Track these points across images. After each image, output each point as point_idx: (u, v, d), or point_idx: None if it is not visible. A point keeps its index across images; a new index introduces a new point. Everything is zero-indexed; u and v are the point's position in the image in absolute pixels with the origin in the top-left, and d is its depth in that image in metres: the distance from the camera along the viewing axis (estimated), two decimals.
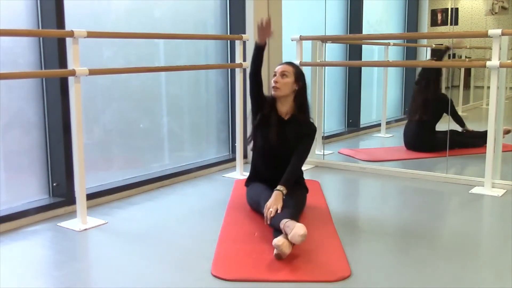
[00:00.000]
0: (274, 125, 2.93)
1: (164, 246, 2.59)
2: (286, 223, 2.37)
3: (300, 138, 2.92)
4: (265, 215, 2.57)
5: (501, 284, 2.16)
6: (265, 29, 2.91)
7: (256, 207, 2.91)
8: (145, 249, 2.55)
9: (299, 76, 2.95)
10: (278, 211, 2.54)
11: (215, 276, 2.20)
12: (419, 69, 5.18)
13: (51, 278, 2.26)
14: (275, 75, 2.93)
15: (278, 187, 2.72)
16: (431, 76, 4.81)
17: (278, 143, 2.92)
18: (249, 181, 3.14)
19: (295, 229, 2.30)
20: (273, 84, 2.91)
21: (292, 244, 2.35)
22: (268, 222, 2.54)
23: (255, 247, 2.49)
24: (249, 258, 2.37)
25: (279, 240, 2.31)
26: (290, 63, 3.00)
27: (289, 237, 2.31)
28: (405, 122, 5.13)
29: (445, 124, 4.68)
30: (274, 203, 2.60)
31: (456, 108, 5.09)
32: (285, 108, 2.95)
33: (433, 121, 4.84)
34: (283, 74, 2.90)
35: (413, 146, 4.86)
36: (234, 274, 2.22)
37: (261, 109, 2.99)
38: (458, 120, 4.88)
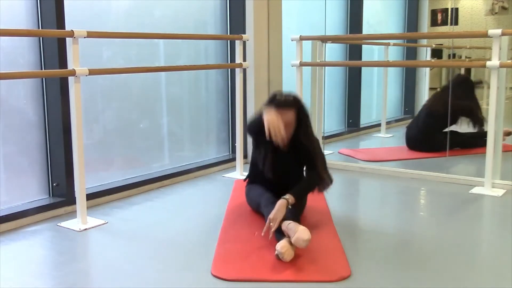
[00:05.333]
0: (269, 160, 2.75)
1: (164, 246, 2.59)
2: (289, 225, 2.35)
3: (305, 160, 2.78)
4: (265, 226, 2.44)
5: (501, 284, 2.15)
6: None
7: (256, 208, 2.91)
8: (145, 249, 2.55)
9: (300, 112, 2.67)
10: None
11: (215, 276, 2.20)
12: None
13: (51, 278, 2.26)
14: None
15: (286, 195, 2.54)
16: (467, 86, 4.82)
17: (275, 175, 2.78)
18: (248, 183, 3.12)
19: (298, 233, 2.27)
20: (279, 137, 2.50)
21: (295, 247, 2.33)
22: (270, 236, 2.42)
23: (255, 247, 2.49)
24: (249, 258, 2.37)
25: (282, 247, 2.29)
26: (290, 104, 2.62)
27: (293, 241, 2.29)
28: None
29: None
30: (277, 214, 2.42)
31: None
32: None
33: (441, 123, 4.81)
34: (289, 125, 2.62)
35: (420, 146, 4.84)
36: (234, 274, 2.22)
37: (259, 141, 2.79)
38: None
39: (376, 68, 6.21)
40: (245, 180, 3.15)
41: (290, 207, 2.51)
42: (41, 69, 3.15)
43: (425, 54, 5.96)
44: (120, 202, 3.38)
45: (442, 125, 4.77)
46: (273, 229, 2.41)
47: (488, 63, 3.48)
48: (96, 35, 3.04)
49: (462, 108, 4.77)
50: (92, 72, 2.91)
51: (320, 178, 2.75)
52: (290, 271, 2.23)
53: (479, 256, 2.51)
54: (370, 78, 6.23)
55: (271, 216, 2.43)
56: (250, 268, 2.27)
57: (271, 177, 2.79)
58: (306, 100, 3.03)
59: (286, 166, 2.82)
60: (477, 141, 4.58)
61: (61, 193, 3.20)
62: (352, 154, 4.84)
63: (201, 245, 2.59)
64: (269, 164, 2.77)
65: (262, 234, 2.46)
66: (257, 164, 2.91)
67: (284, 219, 2.43)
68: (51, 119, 3.18)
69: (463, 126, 4.77)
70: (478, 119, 4.76)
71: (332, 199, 3.41)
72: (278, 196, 2.59)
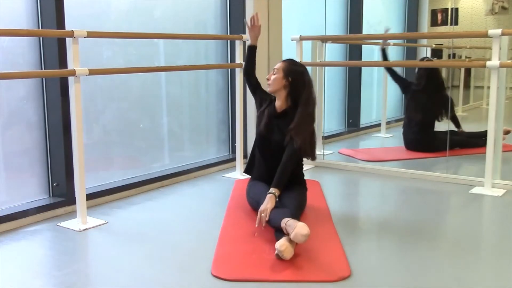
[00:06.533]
0: (266, 117, 3.02)
1: (164, 246, 2.59)
2: (288, 222, 2.37)
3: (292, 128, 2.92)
4: (257, 218, 2.56)
5: (501, 284, 2.16)
6: (254, 27, 3.20)
7: (256, 206, 2.91)
8: (145, 249, 2.55)
9: (289, 72, 2.94)
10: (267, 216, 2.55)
11: (215, 276, 2.20)
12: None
13: (51, 278, 2.26)
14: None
15: (271, 189, 2.71)
16: (430, 76, 4.83)
17: (267, 134, 2.98)
18: (249, 172, 3.20)
19: (297, 228, 2.29)
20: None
21: (294, 245, 2.35)
22: (263, 225, 2.55)
23: (255, 247, 2.49)
24: (249, 258, 2.38)
25: (281, 245, 2.30)
26: (284, 60, 3.04)
27: (291, 236, 2.30)
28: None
29: (445, 124, 4.68)
30: (266, 206, 2.59)
31: (456, 108, 5.08)
32: (279, 102, 3.00)
33: (432, 121, 4.84)
34: (274, 71, 2.98)
35: (414, 147, 4.86)
36: (234, 274, 2.22)
37: (262, 103, 3.13)
38: (455, 120, 4.89)
39: (376, 68, 6.21)
40: (245, 171, 3.24)
41: (277, 199, 2.69)
42: (41, 69, 3.15)
43: (425, 54, 5.96)
44: (120, 202, 3.38)
45: (428, 122, 4.79)
46: (266, 219, 2.54)
47: (488, 63, 3.48)
48: (96, 35, 3.04)
49: (428, 100, 4.81)
50: (92, 72, 2.91)
51: (299, 150, 2.87)
52: (290, 271, 2.23)
53: (479, 256, 2.51)
54: (370, 78, 6.23)
55: (261, 208, 2.60)
56: (250, 268, 2.27)
57: (264, 133, 2.99)
58: None
59: (279, 127, 2.95)
60: (477, 141, 4.58)
61: (61, 193, 3.20)
62: (352, 154, 4.84)
63: (201, 245, 2.59)
64: (265, 119, 3.00)
65: (256, 225, 2.57)
66: (256, 139, 3.10)
67: (283, 216, 2.45)
68: (51, 119, 3.18)
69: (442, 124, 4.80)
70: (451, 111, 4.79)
71: (332, 198, 3.42)
72: (272, 171, 2.82)
